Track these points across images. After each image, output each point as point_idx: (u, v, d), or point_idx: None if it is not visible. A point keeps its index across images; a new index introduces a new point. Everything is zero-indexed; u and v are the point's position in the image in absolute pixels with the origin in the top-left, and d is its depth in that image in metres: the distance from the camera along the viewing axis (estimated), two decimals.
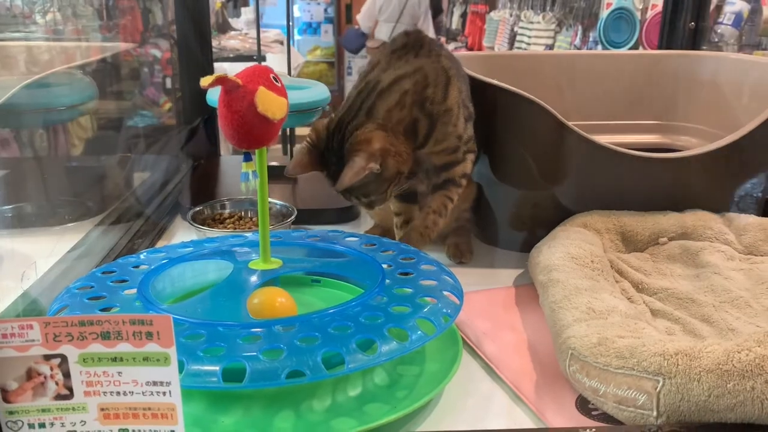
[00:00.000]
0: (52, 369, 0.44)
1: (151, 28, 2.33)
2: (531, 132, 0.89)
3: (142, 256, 0.72)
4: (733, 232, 0.88)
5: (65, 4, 1.57)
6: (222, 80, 0.57)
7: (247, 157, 0.61)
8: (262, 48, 3.06)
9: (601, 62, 1.21)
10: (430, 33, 6.22)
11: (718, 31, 2.06)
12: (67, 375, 0.44)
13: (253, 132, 0.58)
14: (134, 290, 0.63)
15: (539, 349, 0.68)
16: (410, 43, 0.79)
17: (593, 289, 0.69)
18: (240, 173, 0.61)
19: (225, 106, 0.58)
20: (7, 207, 0.97)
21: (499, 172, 0.94)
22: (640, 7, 2.07)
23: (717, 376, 0.50)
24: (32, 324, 0.43)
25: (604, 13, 2.10)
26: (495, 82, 0.88)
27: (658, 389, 0.52)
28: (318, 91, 1.00)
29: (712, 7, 2.11)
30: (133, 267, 0.69)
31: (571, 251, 0.77)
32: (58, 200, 1.05)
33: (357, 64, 6.20)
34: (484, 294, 0.80)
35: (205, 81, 0.57)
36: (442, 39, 6.51)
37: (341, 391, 0.57)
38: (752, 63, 1.08)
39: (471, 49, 5.15)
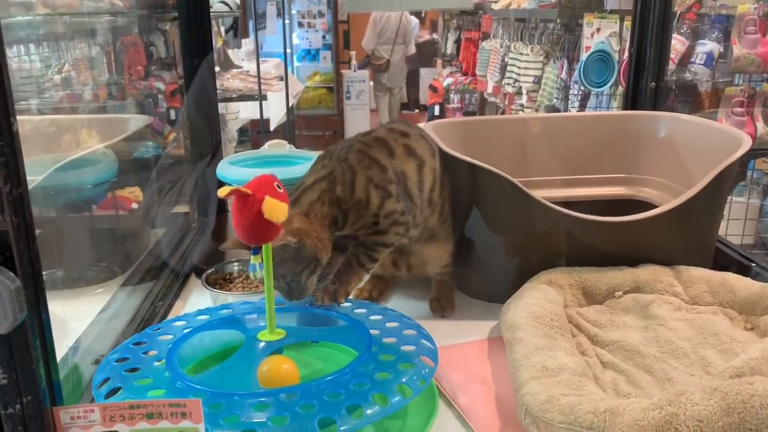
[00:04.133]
0: None
1: (154, 61, 2.45)
2: (496, 200, 1.02)
3: (166, 327, 0.85)
4: (681, 284, 1.01)
5: (78, 56, 1.70)
6: (235, 191, 0.70)
7: (255, 251, 0.74)
8: (262, 87, 3.21)
9: (570, 123, 1.34)
10: (412, 49, 6.58)
11: (692, 69, 2.20)
12: None
13: (261, 233, 0.71)
14: (163, 361, 0.75)
15: (504, 400, 0.80)
16: (326, 154, 0.95)
17: (549, 347, 0.81)
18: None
19: (238, 211, 0.71)
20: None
21: (481, 235, 1.07)
22: (617, 48, 2.20)
23: (635, 431, 0.63)
24: (94, 409, 0.55)
25: (584, 56, 2.23)
26: (457, 154, 1.01)
27: None
28: None
29: (685, 48, 2.24)
30: (160, 337, 0.82)
31: (534, 311, 0.89)
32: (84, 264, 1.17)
33: (355, 88, 6.36)
34: (460, 348, 0.93)
35: (221, 192, 0.70)
36: (438, 61, 6.70)
37: None
38: (700, 124, 1.21)
39: (466, 74, 5.30)
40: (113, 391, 0.71)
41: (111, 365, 0.75)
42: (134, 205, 1.47)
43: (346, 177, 0.90)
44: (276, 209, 0.70)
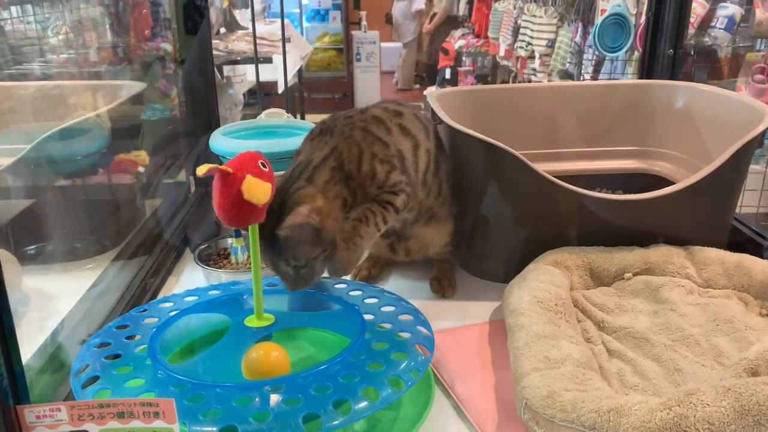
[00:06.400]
0: None
1: (161, 22, 2.39)
2: (507, 177, 0.97)
3: (152, 309, 0.81)
4: (694, 266, 0.96)
5: (76, 18, 1.64)
6: (215, 170, 0.66)
7: (237, 234, 0.69)
8: (268, 49, 3.14)
9: (582, 92, 1.27)
10: (417, 5, 6.46)
11: (712, 34, 2.10)
12: None
13: (241, 214, 0.67)
14: (145, 346, 0.72)
15: (504, 391, 0.76)
16: (325, 129, 0.88)
17: (553, 335, 0.77)
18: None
19: (218, 190, 0.67)
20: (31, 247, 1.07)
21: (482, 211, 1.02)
22: (634, 12, 2.11)
23: None
24: (60, 407, 0.52)
25: (599, 20, 2.14)
26: (465, 129, 0.95)
27: None
28: None
29: (705, 11, 2.15)
30: (145, 320, 0.78)
31: (538, 294, 0.85)
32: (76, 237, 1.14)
33: (365, 50, 6.24)
34: (460, 331, 0.89)
35: (200, 170, 0.66)
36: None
37: None
38: (719, 95, 1.14)
39: (478, 36, 5.17)
40: (93, 379, 0.67)
41: (91, 351, 0.72)
42: (141, 169, 1.43)
43: (353, 153, 0.85)
44: (257, 189, 0.66)
